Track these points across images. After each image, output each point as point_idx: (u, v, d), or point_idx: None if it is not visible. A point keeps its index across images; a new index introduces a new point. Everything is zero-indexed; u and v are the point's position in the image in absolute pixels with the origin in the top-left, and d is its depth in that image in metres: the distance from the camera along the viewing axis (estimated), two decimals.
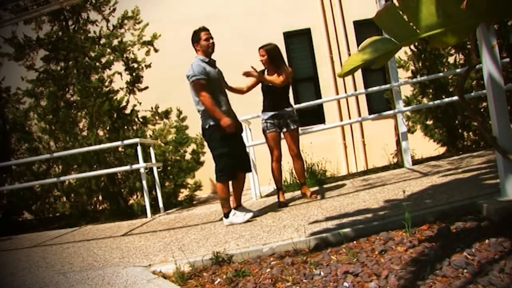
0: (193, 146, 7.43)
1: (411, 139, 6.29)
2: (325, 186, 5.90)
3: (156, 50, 7.60)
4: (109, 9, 7.60)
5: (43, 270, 3.62)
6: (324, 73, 9.21)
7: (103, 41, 7.44)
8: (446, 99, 6.20)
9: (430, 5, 1.67)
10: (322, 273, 2.39)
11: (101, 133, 7.20)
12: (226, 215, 4.30)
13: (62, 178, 6.88)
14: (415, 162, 6.19)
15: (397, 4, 1.78)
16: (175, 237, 4.15)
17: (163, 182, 6.95)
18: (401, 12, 1.76)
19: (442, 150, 7.04)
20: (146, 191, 6.21)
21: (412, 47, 6.94)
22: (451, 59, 6.86)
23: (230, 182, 4.41)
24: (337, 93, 9.00)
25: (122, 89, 7.50)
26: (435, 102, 6.29)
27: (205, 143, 7.45)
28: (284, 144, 4.91)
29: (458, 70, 6.23)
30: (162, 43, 7.65)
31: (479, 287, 1.83)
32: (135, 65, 7.57)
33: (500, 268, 1.92)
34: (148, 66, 7.61)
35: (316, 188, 5.82)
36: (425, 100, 6.84)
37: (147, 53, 7.56)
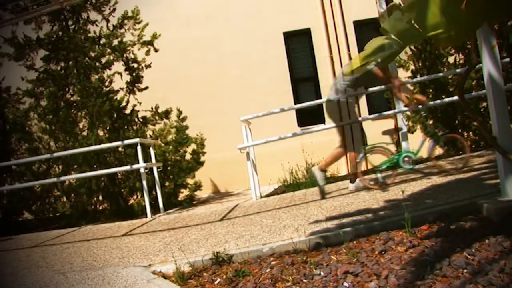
0: (193, 146, 7.43)
1: (411, 139, 6.29)
2: (325, 186, 5.88)
3: (156, 50, 7.59)
4: (109, 9, 7.59)
5: (43, 270, 3.62)
6: (324, 73, 9.20)
7: (103, 41, 7.43)
8: (446, 99, 6.20)
9: (434, 5, 1.67)
10: (322, 273, 2.39)
11: (101, 133, 7.20)
12: None
13: (62, 178, 6.88)
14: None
15: (401, 4, 1.79)
16: (175, 237, 4.15)
17: (163, 182, 6.95)
18: (402, 13, 1.77)
19: (442, 150, 7.03)
20: (146, 191, 6.21)
21: (412, 46, 6.94)
22: (451, 59, 6.86)
23: None
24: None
25: (122, 89, 7.50)
26: (435, 102, 6.29)
27: (205, 143, 7.53)
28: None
29: (458, 70, 6.22)
30: (162, 43, 7.65)
31: (479, 287, 1.83)
32: (135, 65, 7.56)
33: (500, 268, 1.92)
34: (148, 66, 7.61)
35: (316, 188, 5.82)
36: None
37: (147, 53, 7.56)
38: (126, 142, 6.47)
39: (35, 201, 7.64)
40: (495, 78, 2.74)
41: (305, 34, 9.32)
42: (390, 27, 1.89)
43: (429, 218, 2.90)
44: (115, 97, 7.24)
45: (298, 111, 8.88)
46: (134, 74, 7.56)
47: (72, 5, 7.10)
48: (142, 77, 7.62)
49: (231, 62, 9.15)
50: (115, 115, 7.25)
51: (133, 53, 7.57)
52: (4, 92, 8.13)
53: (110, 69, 7.46)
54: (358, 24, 9.06)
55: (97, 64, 7.32)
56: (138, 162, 6.27)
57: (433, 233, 2.61)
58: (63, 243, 4.96)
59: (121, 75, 7.54)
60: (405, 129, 6.03)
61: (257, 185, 6.02)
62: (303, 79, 9.36)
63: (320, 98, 8.70)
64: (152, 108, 7.63)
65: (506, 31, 2.72)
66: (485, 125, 3.83)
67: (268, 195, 6.11)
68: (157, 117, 7.62)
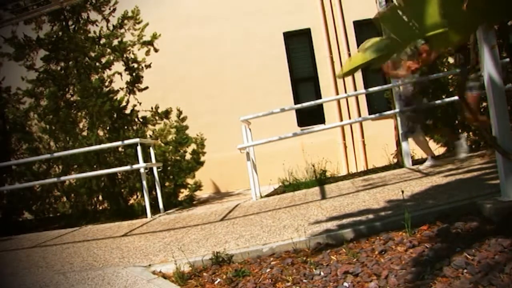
0: (193, 146, 7.43)
1: (411, 139, 6.28)
2: (325, 186, 5.89)
3: (156, 50, 7.60)
4: (109, 9, 7.60)
5: (43, 270, 3.62)
6: (324, 73, 9.21)
7: (103, 41, 7.44)
8: (446, 99, 6.19)
9: (434, 5, 1.67)
10: (322, 273, 2.39)
11: (101, 133, 7.20)
12: None
13: (62, 178, 6.88)
14: (415, 162, 6.18)
15: (398, 3, 1.78)
16: (175, 237, 4.15)
17: (163, 182, 6.95)
18: (402, 12, 1.76)
19: (442, 150, 7.04)
20: (146, 191, 6.21)
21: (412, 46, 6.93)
22: (451, 59, 6.85)
23: None
24: (337, 93, 9.01)
25: (122, 89, 7.50)
26: (436, 102, 6.28)
27: (205, 143, 7.54)
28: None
29: (458, 70, 6.22)
30: (162, 43, 7.66)
31: (479, 287, 1.83)
32: (135, 65, 7.56)
33: (500, 268, 1.92)
34: (148, 66, 7.61)
35: (316, 187, 5.83)
36: (425, 100, 6.83)
37: (147, 53, 7.56)
38: (126, 142, 6.48)
39: (35, 201, 7.64)
40: (495, 78, 2.74)
41: (305, 34, 9.33)
42: (388, 26, 1.88)
43: (429, 218, 2.90)
44: (115, 97, 7.24)
45: (298, 111, 8.89)
46: (134, 74, 7.57)
47: (72, 5, 7.10)
48: (142, 77, 7.63)
49: (231, 62, 9.15)
50: (115, 115, 7.25)
51: (133, 53, 7.58)
52: (4, 92, 8.13)
53: (110, 69, 7.46)
54: (358, 24, 9.06)
55: (97, 64, 7.33)
56: (138, 162, 6.27)
57: (433, 233, 2.61)
58: (63, 243, 4.96)
59: (121, 75, 7.55)
60: (405, 129, 6.02)
61: (257, 185, 6.02)
62: (303, 79, 9.37)
63: (320, 98, 8.71)
64: (152, 108, 7.63)
65: (506, 31, 2.71)
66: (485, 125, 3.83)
67: (268, 195, 6.11)
68: (157, 117, 7.62)
